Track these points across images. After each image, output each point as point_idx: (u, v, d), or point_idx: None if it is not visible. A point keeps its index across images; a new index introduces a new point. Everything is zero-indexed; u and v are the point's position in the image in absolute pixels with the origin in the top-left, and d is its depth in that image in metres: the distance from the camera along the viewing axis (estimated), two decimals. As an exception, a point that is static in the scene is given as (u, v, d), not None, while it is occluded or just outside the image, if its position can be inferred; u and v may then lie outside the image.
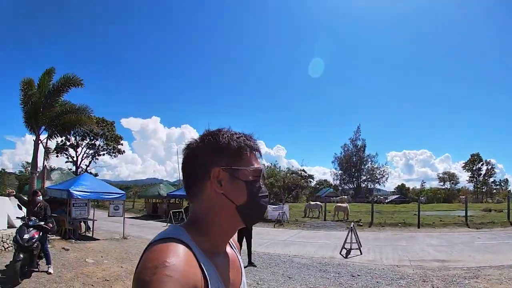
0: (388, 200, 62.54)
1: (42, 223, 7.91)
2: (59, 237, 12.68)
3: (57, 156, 48.91)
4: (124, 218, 15.21)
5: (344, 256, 11.43)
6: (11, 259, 7.36)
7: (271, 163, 47.62)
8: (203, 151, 0.97)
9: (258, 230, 19.16)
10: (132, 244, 13.10)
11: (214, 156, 0.95)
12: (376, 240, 15.27)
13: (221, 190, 0.93)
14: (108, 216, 15.85)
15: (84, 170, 47.67)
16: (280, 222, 22.51)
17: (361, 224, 21.30)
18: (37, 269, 8.00)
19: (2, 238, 9.92)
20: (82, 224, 15.22)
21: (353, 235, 12.13)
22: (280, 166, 48.65)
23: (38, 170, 15.92)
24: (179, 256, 0.78)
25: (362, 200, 57.40)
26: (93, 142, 49.28)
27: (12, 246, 8.95)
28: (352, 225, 12.78)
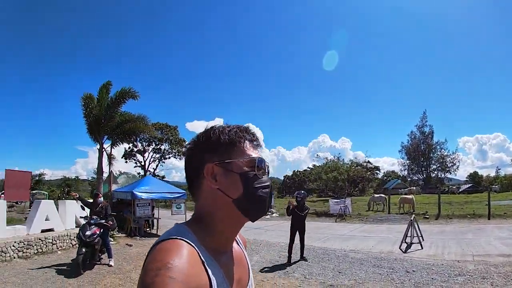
0: (461, 190, 58.22)
1: (103, 221, 8.80)
2: (124, 235, 13.89)
3: (126, 162, 52.78)
4: (186, 216, 15.97)
5: (403, 250, 10.89)
6: (77, 254, 8.33)
7: (334, 156, 46.82)
8: (196, 150, 0.99)
9: (318, 225, 19.19)
10: None
11: (206, 152, 0.96)
12: (441, 234, 14.48)
13: (216, 185, 0.93)
14: (171, 214, 16.76)
15: (152, 174, 50.75)
16: (342, 217, 22.11)
17: (427, 216, 20.29)
18: (99, 262, 8.92)
19: (70, 236, 11.19)
20: (153, 222, 16.64)
21: (414, 228, 11.67)
22: (343, 159, 47.08)
23: (104, 175, 17.39)
24: (182, 256, 0.77)
25: (432, 191, 52.56)
26: (158, 147, 52.09)
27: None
28: (412, 218, 12.17)
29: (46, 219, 11.22)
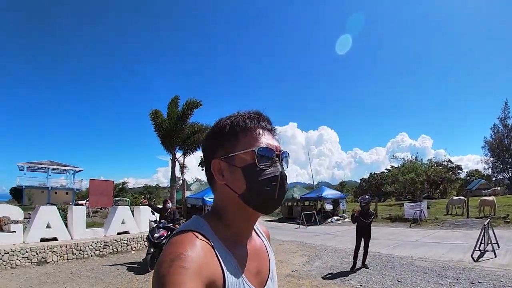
0: None
1: (171, 224, 9.66)
2: None
3: (202, 169, 55.46)
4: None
5: (475, 259, 10.11)
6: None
7: (412, 156, 44.72)
8: (206, 145, 0.99)
9: (391, 230, 18.90)
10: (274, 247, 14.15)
11: (213, 147, 0.96)
12: None
13: (223, 181, 0.93)
14: None
15: None
16: (416, 221, 21.06)
17: (509, 220, 18.80)
18: None
19: (143, 238, 12.30)
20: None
21: (488, 234, 10.85)
22: (421, 159, 44.63)
23: (178, 182, 18.65)
24: (195, 248, 0.79)
25: None
26: None
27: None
28: (486, 223, 11.24)
29: (122, 223, 12.55)
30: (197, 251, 0.79)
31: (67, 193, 42.01)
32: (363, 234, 9.50)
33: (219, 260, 0.83)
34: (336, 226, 23.17)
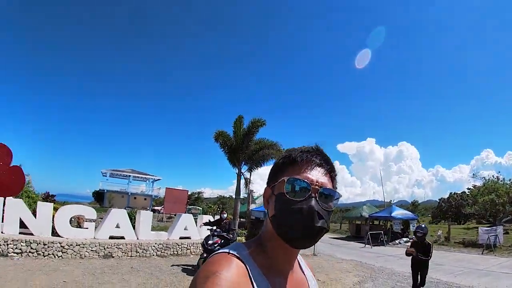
0: None
1: (224, 234, 10.03)
2: None
3: None
4: None
5: None
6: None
7: (494, 175, 40.32)
8: (276, 163, 1.02)
9: (460, 257, 17.64)
10: (316, 260, 13.91)
11: (269, 176, 1.01)
12: None
13: (266, 207, 0.97)
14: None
15: None
16: (489, 248, 19.11)
17: None
18: None
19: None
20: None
21: None
22: (504, 178, 39.87)
23: (244, 196, 19.33)
24: (230, 268, 0.81)
25: None
26: None
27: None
28: None
29: (185, 229, 13.18)
30: (232, 271, 0.80)
31: (145, 199, 45.06)
32: (419, 269, 8.15)
33: (252, 285, 0.83)
34: (403, 248, 21.75)
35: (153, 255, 11.46)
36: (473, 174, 44.94)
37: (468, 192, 47.97)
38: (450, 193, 66.06)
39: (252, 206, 20.33)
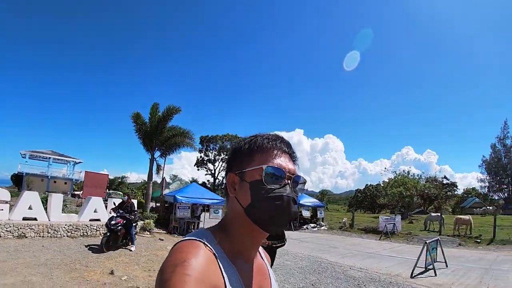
0: None
1: (126, 215, 11.23)
2: (165, 232, 16.23)
3: (198, 170, 58.64)
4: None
5: (411, 275, 10.40)
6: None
7: (404, 171, 44.98)
8: (227, 160, 1.04)
9: (356, 241, 19.62)
10: None
11: (232, 162, 1.00)
12: (476, 261, 13.57)
13: (234, 193, 0.95)
14: (209, 218, 18.85)
15: (220, 182, 55.43)
16: (386, 234, 21.65)
17: (479, 240, 19.32)
18: (123, 246, 11.23)
19: None
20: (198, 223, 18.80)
21: (436, 252, 11.39)
22: (414, 174, 45.01)
23: (165, 181, 20.30)
24: (199, 256, 0.79)
25: (510, 212, 48.10)
26: (224, 157, 56.18)
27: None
28: (429, 242, 11.37)
29: (95, 211, 14.09)
30: (201, 259, 0.79)
31: (65, 183, 43.88)
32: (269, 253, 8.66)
33: (221, 271, 0.82)
34: (310, 233, 24.02)
35: (63, 236, 12.30)
36: (385, 168, 49.71)
37: (382, 184, 52.82)
38: (366, 184, 71.40)
39: (166, 191, 21.31)
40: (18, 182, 41.08)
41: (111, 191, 38.28)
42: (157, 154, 20.87)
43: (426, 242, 11.16)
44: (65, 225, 12.55)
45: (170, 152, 21.14)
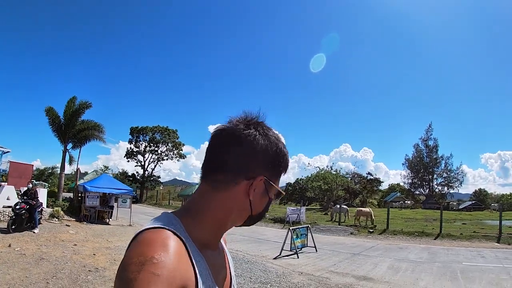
0: (461, 207, 58.39)
1: (29, 200, 12.73)
2: (75, 220, 17.40)
3: (128, 161, 58.72)
4: (130, 210, 19.63)
5: (275, 257, 11.79)
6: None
7: (327, 166, 47.72)
8: (260, 148, 0.89)
9: (258, 229, 20.73)
10: (130, 230, 16.85)
11: (265, 162, 0.90)
12: (352, 248, 15.07)
13: (251, 197, 0.89)
14: (117, 207, 20.33)
15: (150, 174, 57.15)
16: (288, 223, 23.19)
17: (372, 230, 21.33)
18: (28, 229, 12.58)
19: None
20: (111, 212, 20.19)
21: (291, 238, 12.23)
22: (336, 169, 47.75)
23: (81, 172, 21.48)
24: (169, 250, 0.71)
25: (431, 206, 53.65)
26: (154, 149, 57.32)
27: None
28: (291, 229, 12.66)
29: (7, 199, 15.14)
30: (171, 254, 0.71)
31: (-9, 173, 42.03)
32: None
33: (192, 263, 0.77)
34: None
35: (-24, 221, 13.45)
36: (308, 163, 52.91)
37: (304, 178, 55.88)
38: (297, 178, 74.78)
39: (81, 181, 22.08)
40: None
41: (37, 182, 38.08)
42: (70, 146, 22.01)
43: (289, 229, 12.53)
44: (-22, 211, 13.68)
45: (82, 144, 22.21)
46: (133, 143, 58.10)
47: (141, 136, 57.73)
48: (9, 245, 9.69)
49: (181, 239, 0.77)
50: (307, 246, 13.48)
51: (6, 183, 28.85)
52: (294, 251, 12.13)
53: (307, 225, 14.34)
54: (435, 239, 18.50)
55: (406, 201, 58.06)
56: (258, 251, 13.06)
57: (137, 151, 57.59)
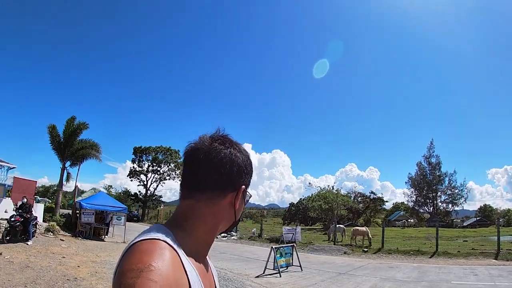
0: (466, 224, 58.23)
1: (24, 214, 13.58)
2: (70, 234, 18.07)
3: (131, 180, 59.90)
4: (125, 227, 20.37)
5: (256, 276, 11.95)
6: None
7: (327, 186, 47.13)
8: (241, 163, 0.99)
9: (250, 249, 21.12)
10: (122, 246, 16.64)
11: (246, 172, 1.01)
12: (340, 267, 15.00)
13: (237, 206, 0.99)
14: (112, 224, 21.00)
15: (152, 193, 57.87)
16: (283, 243, 22.12)
17: (366, 250, 21.34)
18: (22, 241, 13.36)
19: None
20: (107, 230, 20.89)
21: (270, 257, 12.34)
22: (337, 189, 47.57)
23: (79, 189, 22.38)
24: (165, 259, 0.76)
25: (435, 224, 52.65)
26: (156, 168, 58.44)
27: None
28: (273, 247, 12.82)
29: (5, 212, 16.19)
30: (167, 263, 0.75)
31: (-3, 189, 42.98)
32: None
33: (186, 273, 0.81)
34: (216, 241, 24.59)
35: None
36: (309, 183, 52.41)
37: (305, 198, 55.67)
38: (300, 198, 74.39)
39: (79, 198, 22.87)
40: None
41: (41, 198, 39.25)
42: (68, 163, 23.00)
43: (272, 247, 12.63)
44: (-18, 223, 14.60)
45: (79, 162, 23.20)
46: (136, 162, 59.50)
47: (144, 156, 59.09)
48: (0, 253, 10.42)
49: (175, 250, 0.82)
50: (292, 265, 13.49)
51: (9, 198, 29.99)
52: (277, 270, 12.13)
53: (292, 244, 14.43)
54: (430, 257, 18.21)
55: (409, 220, 57.36)
56: (243, 270, 13.16)
57: (139, 170, 58.89)
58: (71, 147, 22.14)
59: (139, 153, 59.51)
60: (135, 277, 0.69)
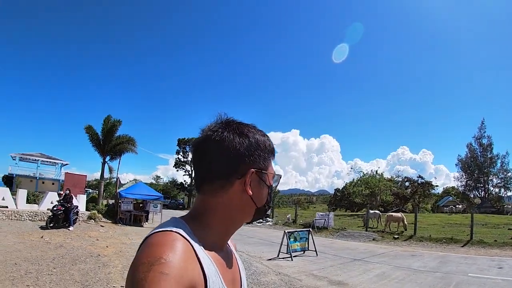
0: None
1: (65, 203, 15.53)
2: (111, 221, 20.25)
3: (177, 170, 63.40)
4: (161, 214, 22.50)
5: (269, 259, 12.25)
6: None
7: (371, 171, 47.02)
8: (240, 146, 0.93)
9: (277, 233, 20.63)
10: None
11: (250, 154, 0.94)
12: (359, 254, 14.65)
13: (250, 191, 0.93)
14: (149, 211, 23.11)
15: None
16: (319, 229, 23.52)
17: (397, 236, 20.56)
18: (65, 227, 15.36)
19: None
20: (147, 216, 23.15)
21: (283, 241, 12.60)
22: (382, 174, 46.74)
23: (120, 180, 24.95)
24: (176, 251, 0.75)
25: (486, 210, 49.36)
26: None
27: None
28: (286, 232, 12.99)
29: (51, 202, 18.00)
30: (179, 254, 0.75)
31: (53, 183, 46.98)
32: None
33: (200, 264, 0.80)
34: (250, 226, 26.23)
35: (26, 220, 16.60)
36: (351, 168, 51.04)
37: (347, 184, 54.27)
38: (346, 183, 73.02)
39: (121, 189, 24.68)
40: (9, 183, 42.83)
41: (91, 190, 43.36)
42: (108, 158, 25.31)
43: (285, 232, 12.82)
44: (28, 212, 17.02)
45: (118, 156, 25.42)
46: (181, 153, 62.90)
47: (187, 147, 61.73)
48: (42, 237, 12.43)
49: (188, 241, 0.81)
50: (308, 250, 13.67)
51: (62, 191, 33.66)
52: (289, 254, 12.38)
53: (308, 229, 14.58)
54: (462, 246, 17.21)
55: (457, 205, 54.17)
56: (261, 253, 13.50)
57: (184, 161, 62.02)
58: (110, 143, 24.29)
59: (183, 144, 62.47)
60: (146, 271, 0.70)
